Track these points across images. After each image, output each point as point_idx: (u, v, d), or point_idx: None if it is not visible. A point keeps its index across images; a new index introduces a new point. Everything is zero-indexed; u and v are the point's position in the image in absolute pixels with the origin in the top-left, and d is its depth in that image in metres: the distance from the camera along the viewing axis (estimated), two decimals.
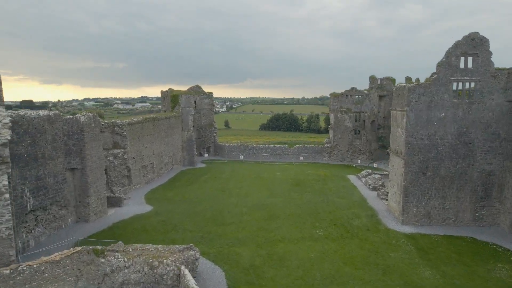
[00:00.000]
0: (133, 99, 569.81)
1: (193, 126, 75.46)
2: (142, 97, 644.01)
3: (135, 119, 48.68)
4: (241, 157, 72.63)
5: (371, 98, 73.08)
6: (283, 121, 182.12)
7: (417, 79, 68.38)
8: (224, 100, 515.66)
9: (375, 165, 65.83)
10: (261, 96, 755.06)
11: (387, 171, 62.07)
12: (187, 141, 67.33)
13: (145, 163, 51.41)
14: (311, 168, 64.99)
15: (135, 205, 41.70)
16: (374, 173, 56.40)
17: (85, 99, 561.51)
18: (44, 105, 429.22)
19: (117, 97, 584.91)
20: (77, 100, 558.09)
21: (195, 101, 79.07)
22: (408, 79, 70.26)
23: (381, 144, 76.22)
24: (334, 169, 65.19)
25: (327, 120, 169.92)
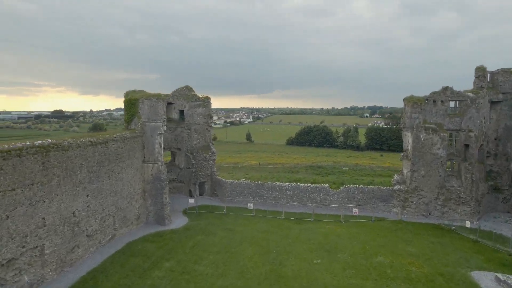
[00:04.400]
0: None
1: (180, 149, 45.18)
2: None
3: None
4: (250, 205, 40.93)
5: (479, 105, 39.75)
6: (315, 135, 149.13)
7: None
8: (251, 111, 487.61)
9: None
10: (289, 107, 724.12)
11: None
12: (152, 182, 36.69)
13: (13, 254, 21.04)
14: (380, 241, 32.21)
15: None
16: None
17: (116, 109, 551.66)
18: (74, 115, 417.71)
19: None
20: (109, 110, 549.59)
21: (183, 110, 48.89)
22: None
23: (492, 184, 42.50)
24: (426, 241, 32.04)
25: (369, 134, 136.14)
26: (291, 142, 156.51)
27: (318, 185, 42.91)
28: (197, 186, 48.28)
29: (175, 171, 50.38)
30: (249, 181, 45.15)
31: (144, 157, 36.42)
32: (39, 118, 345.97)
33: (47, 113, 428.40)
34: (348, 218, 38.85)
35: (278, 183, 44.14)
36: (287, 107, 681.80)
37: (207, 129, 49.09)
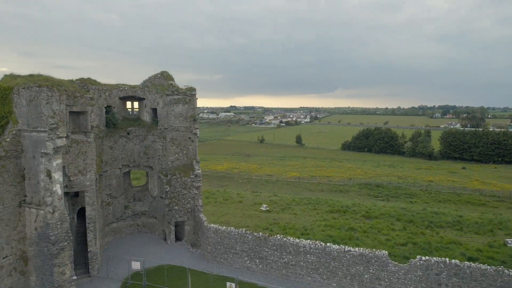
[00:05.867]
0: (222, 108, 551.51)
1: (152, 168, 27.75)
2: (230, 106, 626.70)
3: None
4: (232, 286, 21.62)
5: None
6: (375, 139, 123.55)
7: None
8: (310, 110, 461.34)
9: None
10: (351, 106, 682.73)
11: None
12: (37, 242, 19.30)
13: None
14: None
15: None
16: None
17: None
18: None
19: (208, 106, 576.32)
20: None
21: (155, 108, 31.35)
22: None
23: None
24: None
25: (445, 139, 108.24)
26: (346, 146, 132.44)
27: (366, 251, 22.03)
28: (172, 228, 30.26)
29: (147, 200, 33.00)
30: (244, 230, 25.60)
31: (26, 196, 19.09)
32: None
33: None
34: None
35: (292, 239, 24.04)
36: (348, 107, 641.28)
37: (189, 138, 30.75)
